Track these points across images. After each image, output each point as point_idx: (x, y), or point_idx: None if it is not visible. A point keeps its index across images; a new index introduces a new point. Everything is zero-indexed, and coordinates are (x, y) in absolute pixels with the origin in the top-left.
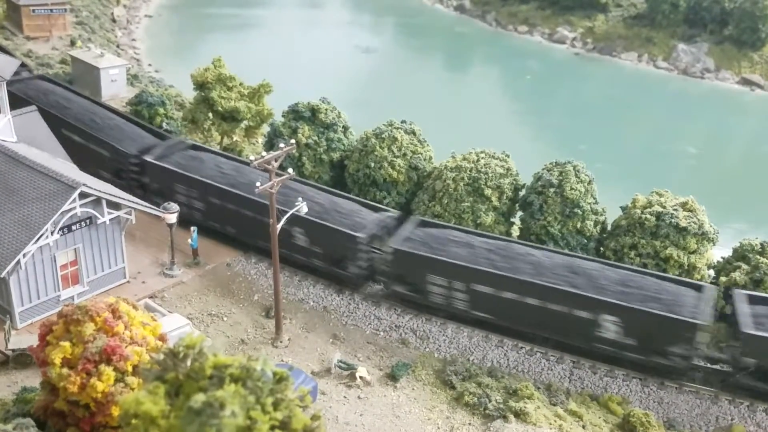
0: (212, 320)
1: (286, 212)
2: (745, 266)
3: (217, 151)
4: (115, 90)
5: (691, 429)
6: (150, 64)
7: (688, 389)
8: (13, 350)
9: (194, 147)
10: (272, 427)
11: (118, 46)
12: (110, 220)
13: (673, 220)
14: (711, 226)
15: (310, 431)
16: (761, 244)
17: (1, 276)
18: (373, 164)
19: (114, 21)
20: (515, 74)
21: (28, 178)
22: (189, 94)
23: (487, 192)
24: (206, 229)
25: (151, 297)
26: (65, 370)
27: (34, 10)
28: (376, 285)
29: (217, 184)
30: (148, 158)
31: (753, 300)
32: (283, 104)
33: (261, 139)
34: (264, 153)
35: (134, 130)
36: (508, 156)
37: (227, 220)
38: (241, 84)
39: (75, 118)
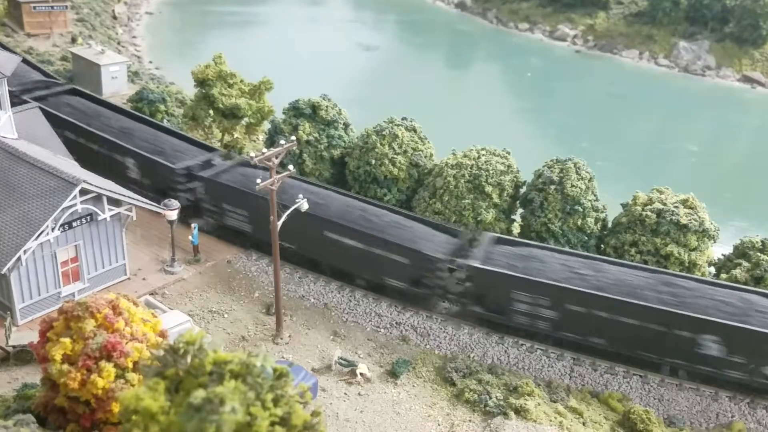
0: (213, 317)
1: (287, 207)
2: (745, 263)
3: (536, 243)
4: (116, 87)
5: (691, 426)
6: (151, 61)
7: (689, 386)
8: (14, 347)
9: (501, 240)
10: (272, 423)
11: (118, 43)
12: (111, 216)
13: (673, 218)
14: (712, 223)
15: (311, 427)
16: (762, 241)
17: (2, 272)
18: (373, 161)
19: (115, 18)
20: (516, 72)
21: (29, 175)
22: (190, 91)
23: (488, 189)
24: (557, 342)
25: (151, 294)
26: (66, 367)
27: (34, 7)
28: None
29: (587, 291)
30: (476, 263)
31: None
32: (284, 101)
33: (262, 136)
34: (265, 150)
35: (418, 227)
36: (508, 153)
37: (593, 331)
38: (241, 81)
39: (346, 219)
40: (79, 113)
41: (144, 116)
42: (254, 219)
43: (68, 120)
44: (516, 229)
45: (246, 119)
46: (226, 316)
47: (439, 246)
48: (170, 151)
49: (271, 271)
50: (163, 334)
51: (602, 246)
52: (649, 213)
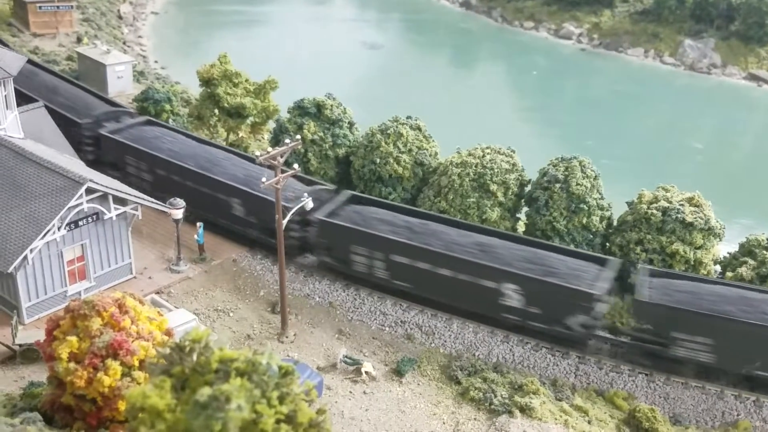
0: (218, 316)
1: (291, 208)
2: (751, 261)
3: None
4: (122, 87)
5: (697, 424)
6: (156, 61)
7: (695, 384)
8: (21, 345)
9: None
10: (278, 421)
11: (124, 43)
12: (117, 215)
13: (679, 216)
14: (717, 221)
15: (316, 425)
16: None
17: (9, 271)
18: (378, 160)
19: (120, 18)
20: (521, 70)
21: (35, 174)
22: (195, 91)
23: (493, 188)
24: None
25: (157, 292)
26: (72, 365)
27: (40, 7)
28: None
29: None
30: None
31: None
32: (289, 100)
33: (267, 136)
34: (270, 149)
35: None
36: (513, 152)
37: None
38: (246, 80)
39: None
40: (368, 219)
41: (457, 219)
42: (722, 347)
43: (361, 230)
44: (521, 227)
45: (251, 118)
46: (231, 314)
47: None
48: (565, 271)
49: (276, 269)
50: (169, 333)
51: (607, 244)
52: (654, 211)
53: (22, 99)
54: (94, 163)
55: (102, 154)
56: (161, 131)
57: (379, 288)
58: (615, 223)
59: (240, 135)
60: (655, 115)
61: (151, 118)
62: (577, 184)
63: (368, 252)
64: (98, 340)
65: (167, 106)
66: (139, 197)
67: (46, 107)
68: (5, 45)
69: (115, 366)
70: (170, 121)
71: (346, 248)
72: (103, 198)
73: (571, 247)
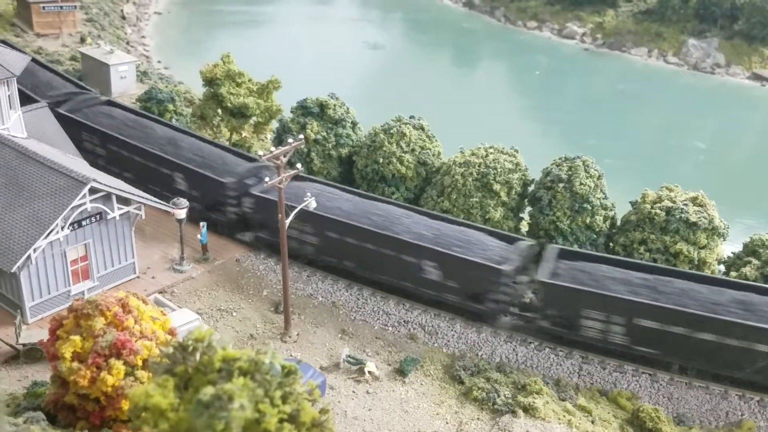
0: (221, 315)
1: (295, 207)
2: (755, 261)
3: None
4: (125, 87)
5: (701, 424)
6: (159, 61)
7: (698, 384)
8: (24, 345)
9: None
10: (281, 420)
11: (127, 43)
12: (120, 215)
13: (683, 215)
14: (721, 221)
15: (319, 425)
16: None
17: (12, 271)
18: (381, 160)
19: (123, 18)
20: (524, 70)
21: (39, 174)
22: (198, 91)
23: (496, 187)
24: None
25: (160, 292)
26: (75, 364)
27: (44, 7)
28: None
29: None
30: None
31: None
32: (292, 100)
33: (270, 135)
34: (273, 149)
35: None
36: (516, 151)
37: None
38: (249, 80)
39: None
40: (599, 278)
41: (701, 273)
42: None
43: (598, 293)
44: (524, 227)
45: (254, 118)
46: (234, 314)
47: None
48: None
49: (279, 269)
50: (172, 332)
51: (611, 244)
52: (658, 211)
53: (141, 155)
54: (238, 224)
55: (251, 215)
56: (318, 187)
57: (607, 353)
58: (618, 222)
59: (243, 135)
60: (658, 115)
61: (299, 173)
62: (581, 184)
63: (605, 316)
64: (101, 340)
65: (170, 106)
66: (142, 197)
67: (180, 166)
68: (13, 47)
69: (118, 365)
70: (173, 120)
71: (575, 313)
72: (107, 198)
73: None
